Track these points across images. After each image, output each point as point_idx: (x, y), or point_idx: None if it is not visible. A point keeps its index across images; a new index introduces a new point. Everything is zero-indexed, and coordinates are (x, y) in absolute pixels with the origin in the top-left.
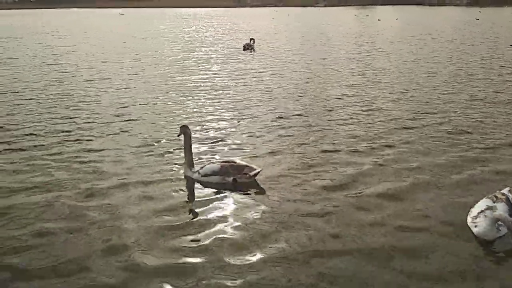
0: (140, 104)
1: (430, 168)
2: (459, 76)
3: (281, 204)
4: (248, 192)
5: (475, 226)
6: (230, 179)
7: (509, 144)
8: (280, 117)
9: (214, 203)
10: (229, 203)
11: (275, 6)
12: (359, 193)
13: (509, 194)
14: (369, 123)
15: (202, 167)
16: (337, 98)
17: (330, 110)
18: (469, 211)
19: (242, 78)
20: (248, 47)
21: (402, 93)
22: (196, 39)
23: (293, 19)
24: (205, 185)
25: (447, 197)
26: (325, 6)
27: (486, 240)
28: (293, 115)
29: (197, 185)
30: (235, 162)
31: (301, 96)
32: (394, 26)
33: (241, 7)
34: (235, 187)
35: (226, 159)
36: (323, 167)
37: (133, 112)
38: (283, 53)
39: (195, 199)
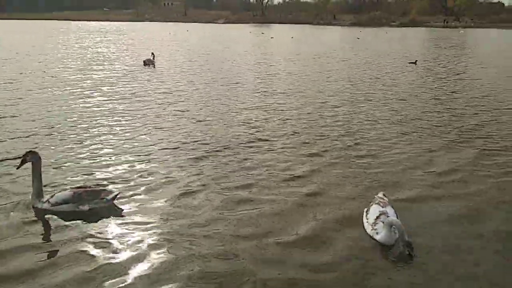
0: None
1: (323, 180)
2: (354, 94)
3: (145, 228)
4: (108, 217)
5: (377, 233)
6: (86, 207)
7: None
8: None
9: (66, 236)
10: (85, 232)
11: (176, 21)
12: (246, 210)
13: (385, 198)
14: (270, 149)
15: (52, 196)
16: (242, 124)
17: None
18: (363, 217)
19: (138, 98)
20: (149, 63)
21: (298, 112)
22: (93, 54)
23: (193, 34)
24: (58, 215)
25: (336, 207)
26: (224, 22)
27: (388, 246)
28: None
29: (49, 216)
30: (89, 187)
31: (197, 119)
32: (288, 43)
33: (141, 21)
34: (94, 213)
35: (79, 184)
36: (189, 187)
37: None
38: (184, 69)
39: (45, 233)
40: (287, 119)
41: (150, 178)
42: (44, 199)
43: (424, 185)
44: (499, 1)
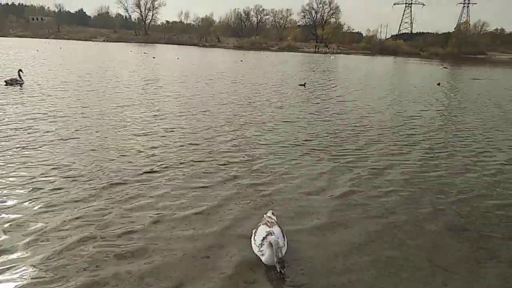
0: None
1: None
2: (247, 116)
3: None
4: None
5: (262, 254)
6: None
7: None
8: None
9: None
10: None
11: (47, 38)
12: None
13: (274, 217)
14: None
15: None
16: (130, 153)
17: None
18: (252, 238)
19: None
20: (14, 82)
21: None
22: None
23: (68, 52)
24: None
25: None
26: (104, 41)
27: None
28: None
29: None
30: None
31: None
32: (174, 64)
33: (3, 36)
34: None
35: None
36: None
37: None
38: (60, 90)
39: None
40: (180, 145)
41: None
42: None
43: (314, 206)
44: (358, 32)
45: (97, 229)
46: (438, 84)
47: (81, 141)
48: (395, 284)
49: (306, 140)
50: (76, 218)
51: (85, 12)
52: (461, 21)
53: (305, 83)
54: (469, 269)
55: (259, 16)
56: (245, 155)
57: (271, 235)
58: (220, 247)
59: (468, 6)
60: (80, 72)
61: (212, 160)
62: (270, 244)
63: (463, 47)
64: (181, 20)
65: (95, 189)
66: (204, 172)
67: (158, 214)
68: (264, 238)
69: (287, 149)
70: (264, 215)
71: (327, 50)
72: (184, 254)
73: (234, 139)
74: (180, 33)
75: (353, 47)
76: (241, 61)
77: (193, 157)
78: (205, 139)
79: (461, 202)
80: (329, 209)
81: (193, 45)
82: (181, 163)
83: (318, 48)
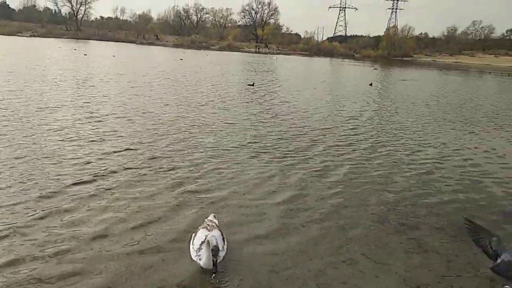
0: None
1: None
2: (192, 118)
3: None
4: None
5: (200, 259)
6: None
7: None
8: None
9: None
10: None
11: None
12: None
13: (215, 220)
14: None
15: None
16: (64, 161)
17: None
18: (190, 242)
19: None
20: None
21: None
22: None
23: None
24: None
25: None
26: (31, 36)
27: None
28: None
29: None
30: None
31: None
32: (109, 62)
33: None
34: None
35: None
36: None
37: None
38: None
39: None
40: (118, 151)
41: None
42: None
43: (259, 212)
44: (296, 33)
45: (26, 249)
46: (371, 85)
47: (2, 149)
48: (330, 283)
49: (250, 143)
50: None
51: (8, 5)
52: (390, 26)
53: (253, 83)
54: (399, 259)
55: (199, 15)
56: (189, 159)
57: (213, 236)
58: (164, 261)
59: (396, 12)
60: (0, 69)
61: (153, 167)
62: (207, 243)
63: (392, 50)
64: (116, 16)
65: (22, 204)
66: (145, 180)
67: (95, 229)
68: (202, 242)
69: (232, 152)
70: (205, 219)
71: (268, 50)
72: (126, 269)
73: (177, 142)
74: (116, 30)
75: (292, 48)
76: (181, 59)
77: (132, 164)
78: (145, 143)
79: (399, 198)
80: (275, 215)
81: (130, 42)
82: (120, 171)
83: (258, 48)
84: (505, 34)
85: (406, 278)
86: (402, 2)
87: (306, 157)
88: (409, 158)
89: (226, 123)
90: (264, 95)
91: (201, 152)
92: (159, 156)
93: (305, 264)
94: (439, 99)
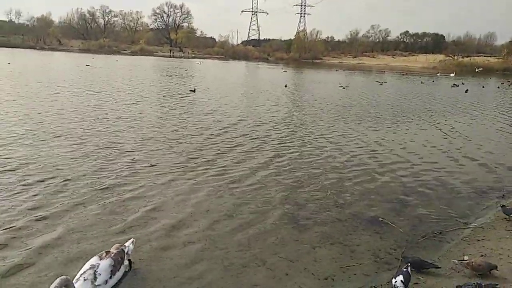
0: None
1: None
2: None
3: None
4: None
5: None
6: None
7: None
8: None
9: None
10: None
11: None
12: None
13: (131, 246)
14: None
15: None
16: None
17: None
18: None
19: None
20: None
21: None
22: None
23: None
24: None
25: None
26: None
27: None
28: None
29: None
30: None
31: None
32: (4, 72)
33: None
34: None
35: None
36: None
37: None
38: None
39: None
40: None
41: None
42: None
43: (171, 235)
44: (211, 37)
45: None
46: (286, 86)
47: None
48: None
49: (164, 156)
50: None
51: None
52: (300, 29)
53: (195, 89)
54: (307, 255)
55: (106, 18)
56: (90, 182)
57: (92, 269)
58: None
59: (304, 16)
60: None
61: (52, 188)
62: (60, 280)
63: (303, 52)
64: (11, 19)
65: None
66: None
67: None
68: (84, 272)
69: (140, 172)
70: (116, 244)
71: (182, 55)
72: None
73: (84, 161)
74: (11, 34)
75: (207, 52)
76: (87, 65)
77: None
78: (54, 166)
79: (307, 196)
80: (184, 239)
81: (30, 48)
82: (18, 192)
83: (173, 53)
84: (399, 36)
85: (315, 272)
86: (309, 7)
87: (214, 161)
88: (317, 156)
89: (139, 138)
90: (182, 103)
91: (104, 172)
92: (59, 174)
93: (214, 268)
94: (343, 99)
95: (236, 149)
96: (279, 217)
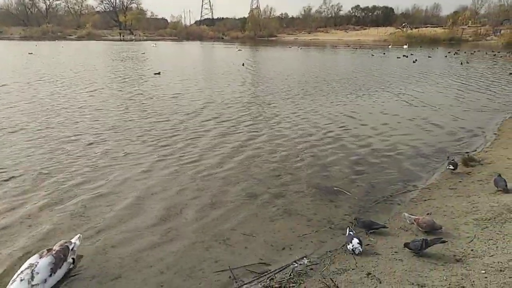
0: None
1: None
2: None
3: None
4: None
5: None
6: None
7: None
8: None
9: None
10: None
11: None
12: None
13: (77, 242)
14: None
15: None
16: None
17: None
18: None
19: None
20: None
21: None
22: None
23: None
24: None
25: None
26: None
27: None
28: None
29: None
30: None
31: None
32: None
33: None
34: None
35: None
36: None
37: None
38: None
39: None
40: None
41: None
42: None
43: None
44: (163, 17)
45: None
46: (243, 65)
47: None
48: (202, 262)
49: (135, 144)
50: None
51: None
52: (253, 7)
53: (160, 72)
54: (266, 228)
55: (47, 2)
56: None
57: (30, 269)
58: None
59: None
60: None
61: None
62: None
63: (258, 30)
64: None
65: None
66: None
67: None
68: (21, 272)
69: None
70: (62, 241)
71: (133, 37)
72: None
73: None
74: None
75: (159, 33)
76: (30, 53)
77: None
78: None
79: (265, 170)
80: (144, 224)
81: None
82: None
83: (123, 36)
84: (351, 11)
85: (273, 243)
86: None
87: (176, 143)
88: (268, 131)
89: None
90: (138, 88)
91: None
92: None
93: (174, 251)
94: (304, 74)
95: (208, 134)
96: (238, 195)
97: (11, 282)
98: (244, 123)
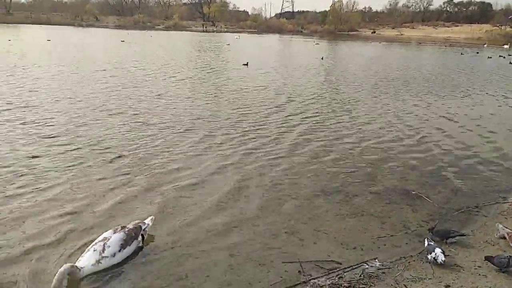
0: None
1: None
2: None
3: None
4: None
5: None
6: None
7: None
8: None
9: None
10: None
11: None
12: None
13: (150, 223)
14: None
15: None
16: None
17: None
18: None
19: None
20: None
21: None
22: None
23: None
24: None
25: None
26: None
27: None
28: None
29: None
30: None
31: None
32: (40, 50)
33: None
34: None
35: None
36: None
37: None
38: None
39: None
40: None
41: None
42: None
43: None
44: (244, 10)
45: None
46: (322, 59)
47: None
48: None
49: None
50: None
51: None
52: (335, 0)
53: (247, 63)
54: (337, 225)
55: None
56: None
57: (104, 241)
58: None
59: None
60: None
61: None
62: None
63: (338, 24)
64: None
65: None
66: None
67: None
68: (95, 244)
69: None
70: (137, 220)
71: (215, 29)
72: None
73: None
74: (50, 12)
75: (240, 26)
76: (122, 41)
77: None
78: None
79: (339, 168)
80: (220, 192)
81: (68, 25)
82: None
83: (206, 27)
84: (442, 6)
85: (343, 242)
86: None
87: (259, 130)
88: (353, 130)
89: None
90: (220, 76)
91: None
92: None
93: (244, 240)
94: (386, 71)
95: (294, 130)
96: (314, 191)
97: (87, 250)
98: (330, 120)
